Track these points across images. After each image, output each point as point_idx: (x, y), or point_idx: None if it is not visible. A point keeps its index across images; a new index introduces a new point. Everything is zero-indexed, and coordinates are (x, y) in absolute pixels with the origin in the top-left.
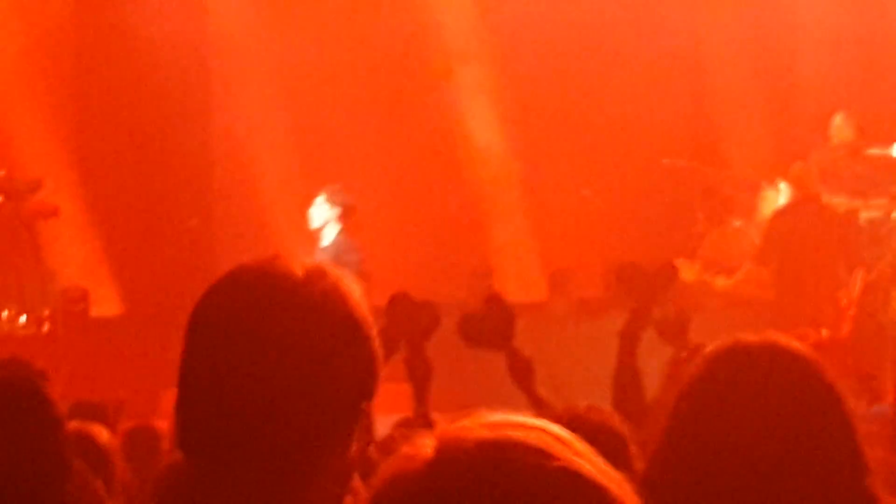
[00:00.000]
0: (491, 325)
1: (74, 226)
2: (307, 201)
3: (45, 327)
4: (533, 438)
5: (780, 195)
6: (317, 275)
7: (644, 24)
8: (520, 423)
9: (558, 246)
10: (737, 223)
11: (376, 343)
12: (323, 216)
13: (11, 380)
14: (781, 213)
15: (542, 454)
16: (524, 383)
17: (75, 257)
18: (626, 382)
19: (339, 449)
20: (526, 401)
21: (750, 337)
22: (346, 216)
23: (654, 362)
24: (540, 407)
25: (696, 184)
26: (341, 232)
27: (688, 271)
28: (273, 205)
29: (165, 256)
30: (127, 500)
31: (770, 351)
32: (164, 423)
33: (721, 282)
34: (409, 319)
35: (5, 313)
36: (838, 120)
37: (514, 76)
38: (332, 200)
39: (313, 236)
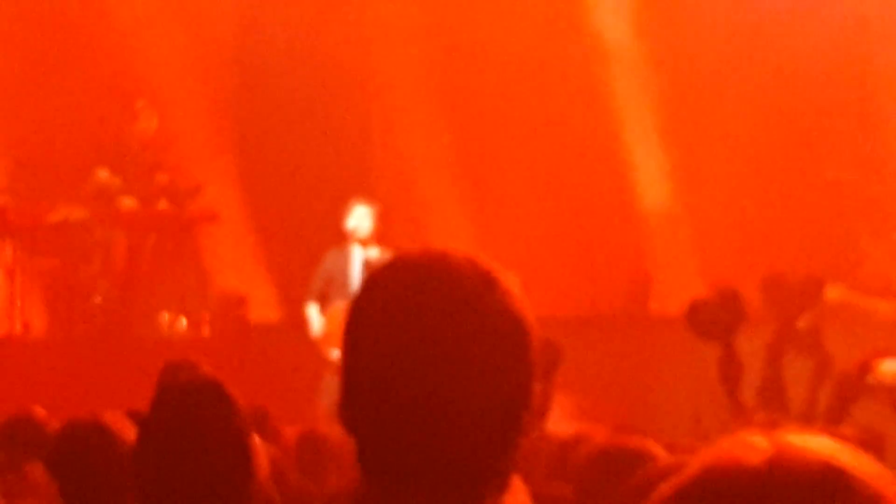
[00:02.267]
0: (719, 316)
1: (234, 231)
2: (466, 201)
3: (205, 332)
4: (868, 476)
5: None
6: (478, 268)
7: (810, 35)
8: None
9: (717, 256)
10: None
11: (537, 342)
12: (370, 228)
13: (197, 383)
14: None
15: (873, 496)
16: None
17: (235, 262)
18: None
19: (509, 454)
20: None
21: None
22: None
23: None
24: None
25: (861, 198)
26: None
27: (833, 291)
28: (430, 212)
29: None
30: None
31: None
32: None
33: (883, 307)
34: (720, 316)
35: (166, 317)
36: None
37: (673, 86)
38: (377, 214)
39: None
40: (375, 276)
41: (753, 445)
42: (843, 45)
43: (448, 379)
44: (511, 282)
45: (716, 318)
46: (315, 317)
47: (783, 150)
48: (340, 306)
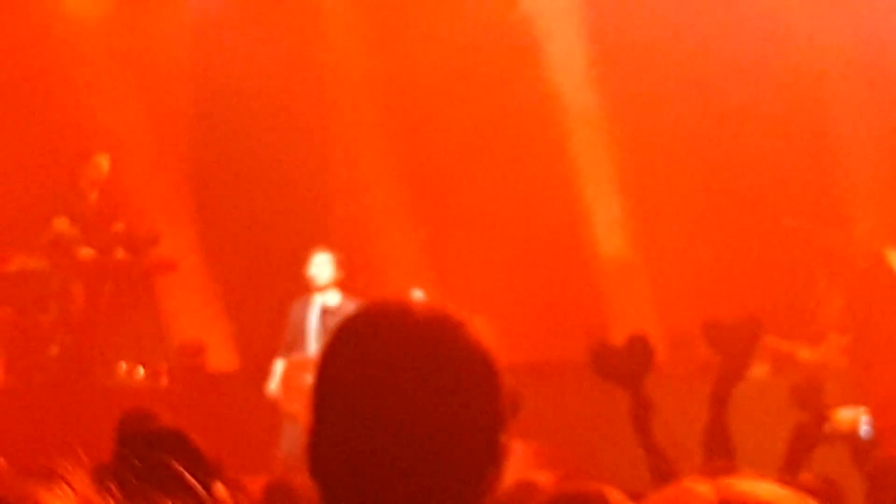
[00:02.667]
0: (628, 362)
1: (192, 280)
2: (424, 249)
3: (163, 381)
4: None
5: None
6: (447, 317)
7: (766, 85)
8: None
9: (674, 304)
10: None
11: (505, 384)
12: (330, 276)
13: (161, 431)
14: (861, 279)
15: None
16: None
17: (193, 311)
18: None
19: (478, 494)
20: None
21: None
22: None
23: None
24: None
25: (818, 245)
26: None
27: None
28: (390, 260)
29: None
30: None
31: None
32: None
33: (805, 353)
34: (626, 362)
35: (123, 366)
36: None
37: (629, 135)
38: (337, 262)
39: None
40: (344, 327)
41: (699, 493)
42: (798, 95)
43: (416, 429)
44: (479, 329)
45: (621, 364)
46: (277, 374)
47: (740, 198)
48: (296, 359)
